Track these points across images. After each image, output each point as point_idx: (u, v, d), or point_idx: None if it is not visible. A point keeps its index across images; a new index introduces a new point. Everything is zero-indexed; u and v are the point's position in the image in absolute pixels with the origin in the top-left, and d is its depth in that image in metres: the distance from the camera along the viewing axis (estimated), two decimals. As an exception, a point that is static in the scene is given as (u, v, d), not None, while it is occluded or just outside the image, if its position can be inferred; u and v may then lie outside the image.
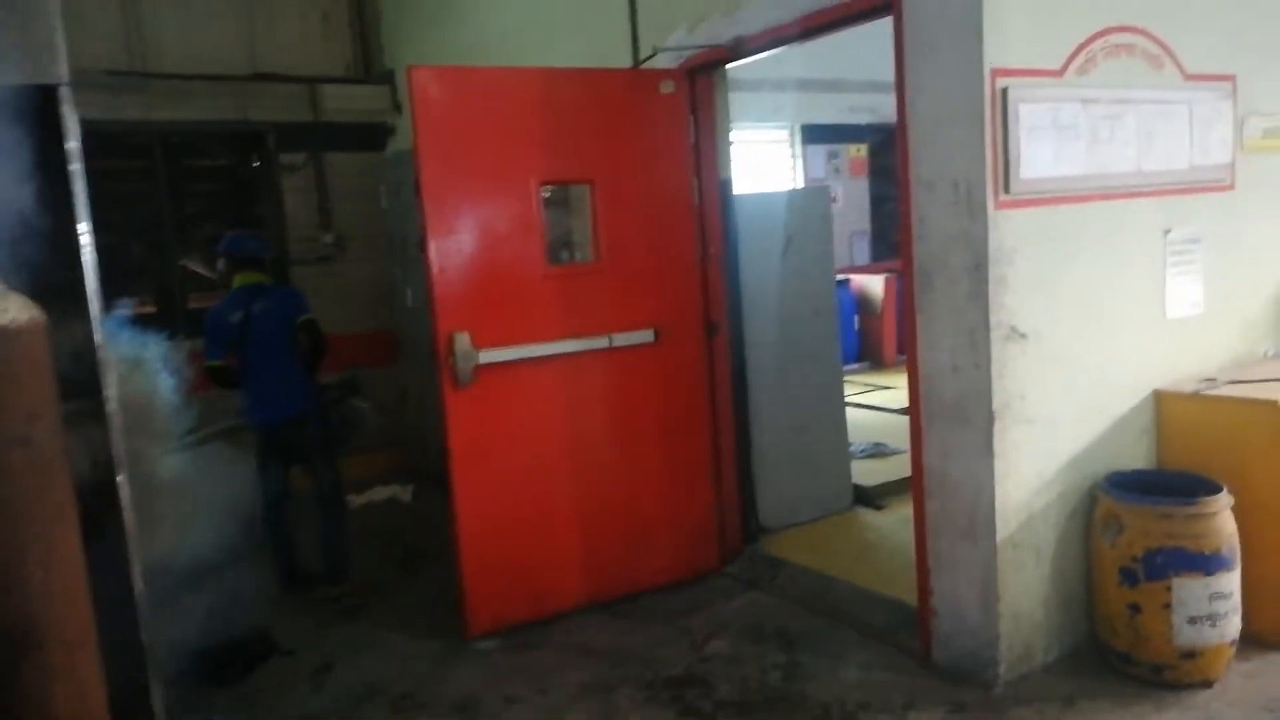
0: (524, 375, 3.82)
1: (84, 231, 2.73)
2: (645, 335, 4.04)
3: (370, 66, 7.12)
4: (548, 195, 4.09)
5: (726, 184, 4.38)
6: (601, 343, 3.95)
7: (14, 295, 2.51)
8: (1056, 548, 3.21)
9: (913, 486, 3.35)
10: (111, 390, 2.76)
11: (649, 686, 3.36)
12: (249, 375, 4.36)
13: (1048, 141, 3.09)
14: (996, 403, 3.01)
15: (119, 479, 2.80)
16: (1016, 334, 3.02)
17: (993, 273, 2.96)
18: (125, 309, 3.64)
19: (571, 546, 3.99)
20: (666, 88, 4.05)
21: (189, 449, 4.97)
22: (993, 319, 2.97)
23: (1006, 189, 2.98)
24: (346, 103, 6.90)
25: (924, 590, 3.37)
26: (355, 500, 6.19)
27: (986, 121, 2.93)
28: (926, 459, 3.28)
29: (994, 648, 3.11)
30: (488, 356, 3.70)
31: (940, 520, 3.26)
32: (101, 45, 6.01)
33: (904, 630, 3.55)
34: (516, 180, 3.77)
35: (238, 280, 4.45)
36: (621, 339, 3.98)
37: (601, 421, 4.03)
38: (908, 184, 3.22)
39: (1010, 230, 2.99)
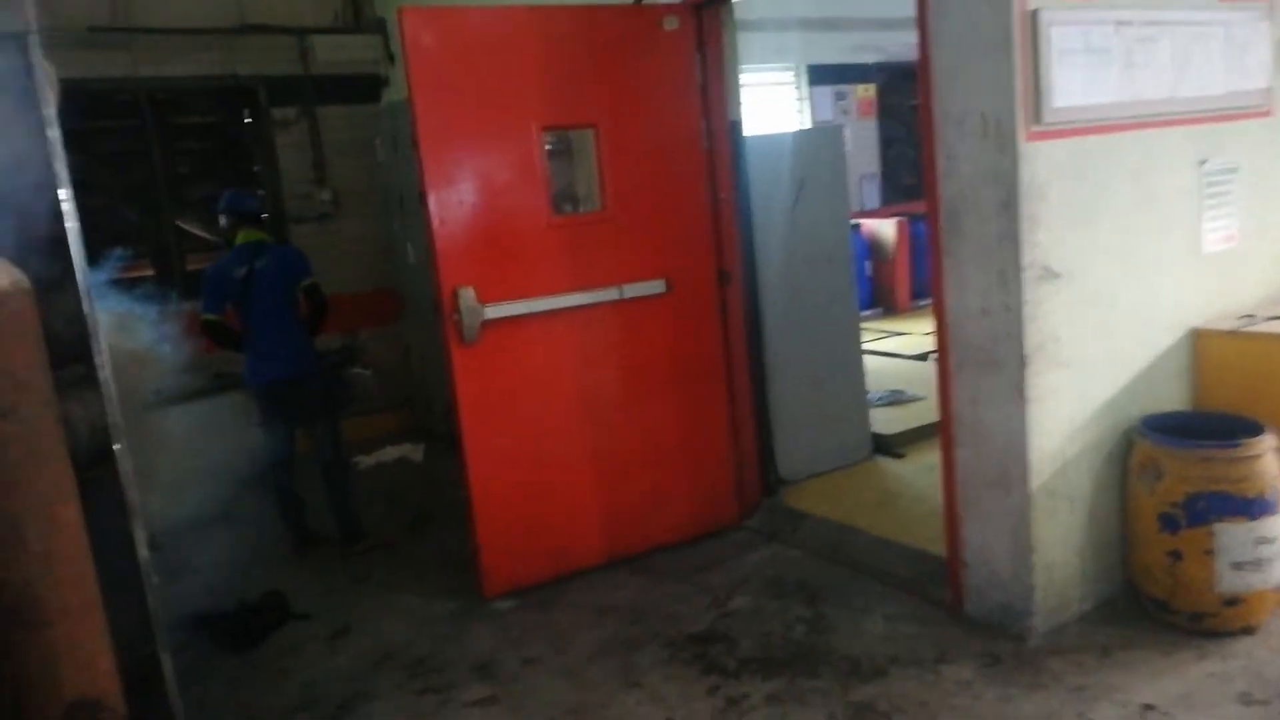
0: (532, 330, 3.69)
1: (64, 195, 2.59)
2: (656, 285, 3.89)
3: (360, 15, 6.87)
4: (551, 143, 3.91)
5: (736, 126, 4.20)
6: (611, 294, 3.81)
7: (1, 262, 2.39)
8: (1092, 495, 3.10)
9: (941, 434, 3.24)
10: (104, 356, 2.64)
11: (670, 644, 3.29)
12: (249, 334, 4.27)
13: (1080, 67, 2.91)
14: (1029, 346, 2.87)
15: (116, 447, 2.70)
16: (1050, 274, 2.88)
17: (1024, 209, 2.81)
18: (112, 271, 3.52)
19: (587, 503, 3.90)
20: (670, 24, 3.85)
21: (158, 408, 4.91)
22: (1025, 258, 2.82)
23: (1038, 119, 2.81)
24: (338, 53, 6.67)
25: (953, 540, 3.26)
26: (365, 461, 6.12)
27: (1016, 47, 2.75)
28: (955, 406, 3.15)
29: (1028, 599, 3.01)
30: (494, 312, 3.57)
31: (970, 469, 3.14)
32: (83, 1, 5.79)
33: (931, 581, 3.46)
34: (517, 126, 3.60)
35: (240, 237, 4.35)
36: (632, 290, 3.84)
37: (614, 375, 3.91)
38: (931, 120, 3.05)
39: (1042, 163, 2.83)
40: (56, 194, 2.51)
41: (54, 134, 2.41)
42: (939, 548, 3.43)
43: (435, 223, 3.49)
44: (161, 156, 6.27)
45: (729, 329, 4.20)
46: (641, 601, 3.63)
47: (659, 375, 3.99)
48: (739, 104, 4.22)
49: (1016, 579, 3.06)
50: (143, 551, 2.80)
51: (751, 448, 4.34)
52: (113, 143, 6.32)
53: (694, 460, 4.11)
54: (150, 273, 6.28)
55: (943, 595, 3.36)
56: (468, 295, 3.51)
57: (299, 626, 3.75)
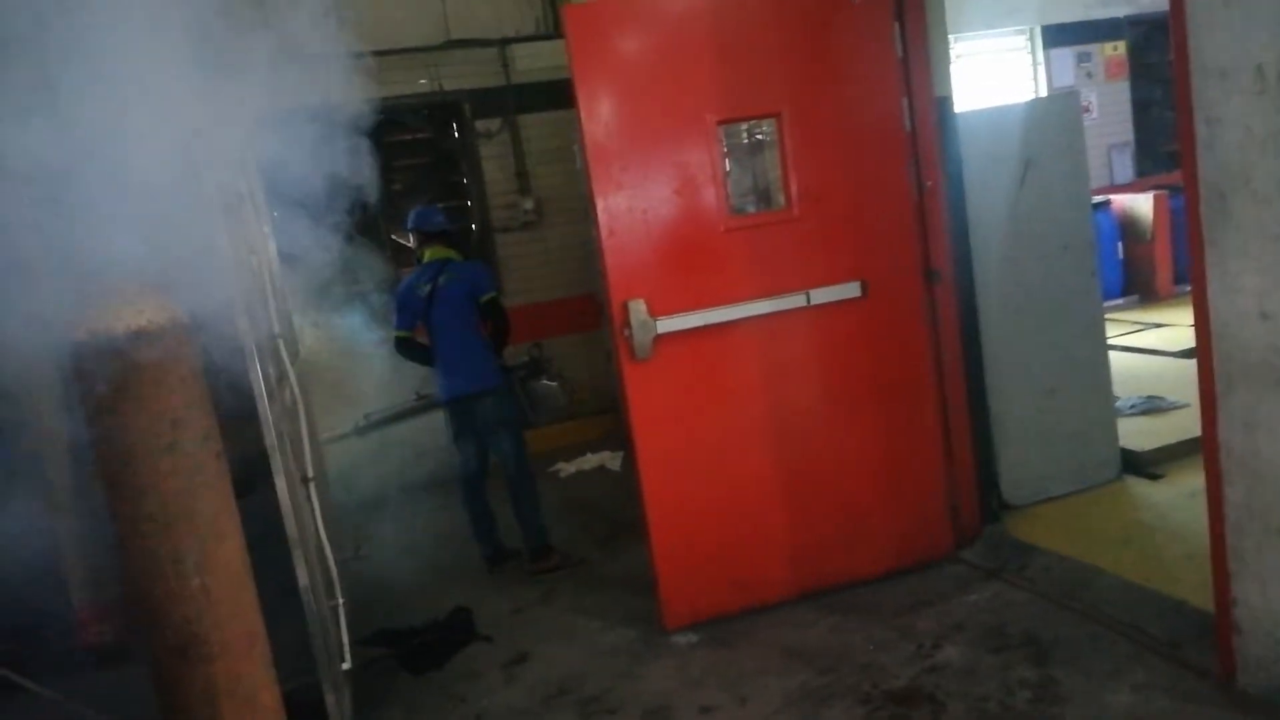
0: (710, 343, 3.39)
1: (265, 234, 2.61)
2: (850, 289, 3.47)
3: (559, 19, 6.85)
4: (730, 136, 3.59)
5: (945, 103, 3.68)
6: (798, 301, 3.43)
7: (153, 294, 2.42)
8: None
9: (1206, 466, 2.60)
10: (261, 386, 2.64)
11: (865, 701, 2.89)
12: (436, 350, 4.30)
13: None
14: (1329, 360, 2.22)
15: (277, 479, 2.70)
16: (1359, 265, 2.21)
17: (1320, 183, 2.16)
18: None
19: (776, 531, 3.55)
20: (862, -6, 3.41)
21: (370, 431, 5.06)
22: (1322, 247, 2.18)
23: (1340, 65, 2.15)
24: (537, 61, 6.69)
25: (1223, 597, 2.63)
26: (565, 469, 6.10)
27: (1308, -28, 2.12)
28: (1223, 432, 2.52)
29: (1329, 682, 2.35)
30: (667, 325, 3.30)
31: (1245, 512, 2.50)
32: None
33: (1194, 644, 2.82)
34: (690, 121, 3.31)
35: (427, 254, 4.40)
36: (821, 295, 3.44)
37: (804, 390, 3.53)
38: (1186, 76, 2.44)
39: (1347, 122, 2.17)
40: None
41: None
42: (1205, 600, 2.79)
43: (604, 231, 3.28)
44: (379, 175, 6.55)
45: (940, 333, 3.69)
46: (834, 645, 3.24)
47: (856, 388, 3.57)
48: (948, 78, 3.70)
49: (1314, 654, 2.40)
50: (303, 581, 2.79)
51: (968, 468, 3.80)
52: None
53: (899, 483, 3.65)
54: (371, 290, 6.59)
55: (1208, 663, 2.72)
56: (639, 309, 3.27)
57: (480, 649, 3.68)
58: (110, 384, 2.35)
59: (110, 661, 2.93)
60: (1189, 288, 6.33)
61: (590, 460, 6.13)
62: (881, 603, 3.47)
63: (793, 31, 3.38)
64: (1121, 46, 8.54)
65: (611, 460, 6.07)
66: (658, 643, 3.46)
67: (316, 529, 3.08)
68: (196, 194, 2.47)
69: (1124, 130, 8.63)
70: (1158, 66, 8.66)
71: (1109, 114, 8.53)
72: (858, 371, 3.57)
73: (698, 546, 3.48)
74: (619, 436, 6.41)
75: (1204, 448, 2.60)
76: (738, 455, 3.48)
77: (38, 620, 2.96)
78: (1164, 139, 8.72)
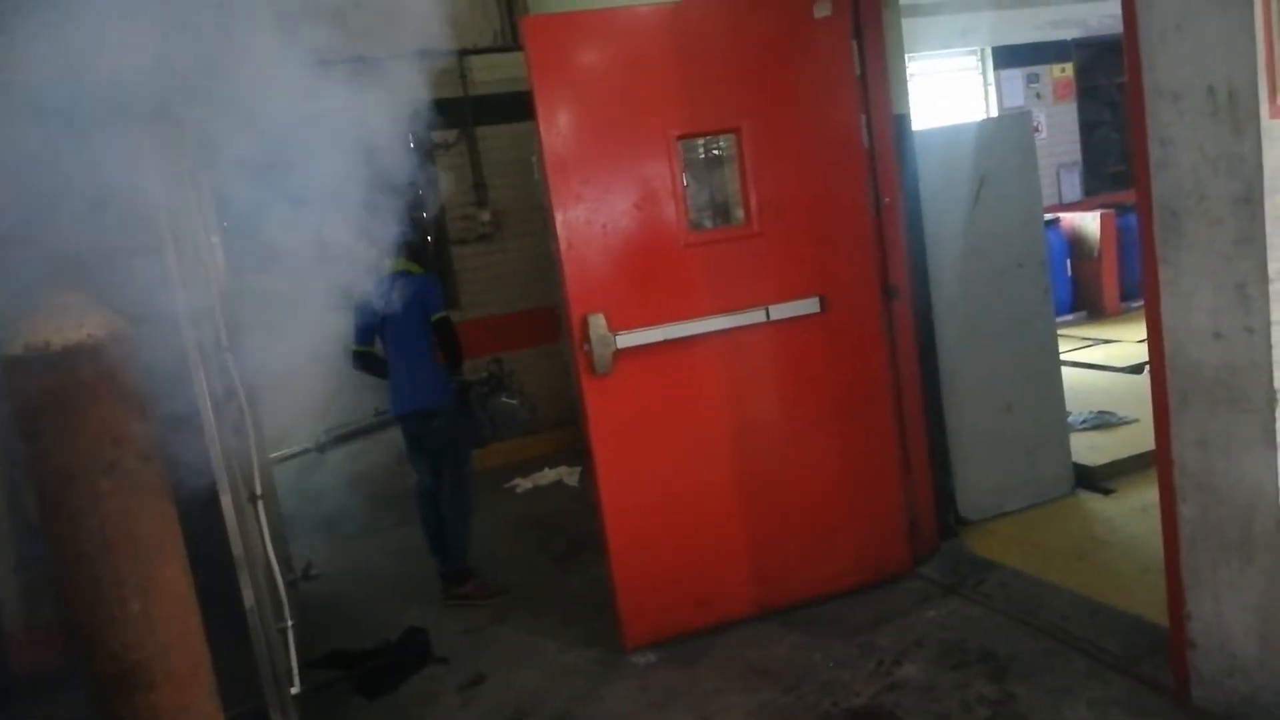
0: (670, 358, 3.36)
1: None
2: (809, 305, 3.47)
3: (518, 31, 6.82)
4: (690, 151, 3.58)
5: (902, 120, 3.71)
6: (758, 316, 3.42)
7: (93, 306, 2.32)
8: (1371, 566, 2.42)
9: (1160, 483, 2.64)
10: (205, 398, 2.55)
11: (827, 719, 2.87)
12: (389, 365, 4.20)
13: (1346, 19, 2.26)
14: (1280, 378, 2.26)
15: (223, 497, 2.61)
16: (1307, 285, 2.25)
17: (1271, 206, 2.20)
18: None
19: (736, 547, 3.52)
20: (822, 11, 3.42)
21: (328, 448, 4.94)
22: (1273, 268, 2.21)
23: (1288, 89, 2.20)
24: (495, 72, 6.64)
25: (1177, 612, 2.66)
26: (522, 484, 6.03)
27: (1257, -2, 2.16)
28: (1176, 450, 2.55)
29: (1279, 693, 2.38)
30: (627, 340, 3.27)
31: (1199, 529, 2.53)
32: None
33: (1149, 659, 2.85)
34: (650, 135, 3.30)
35: (389, 266, 4.27)
36: (781, 310, 3.43)
37: (764, 406, 3.52)
38: (1140, 96, 2.48)
39: (1294, 145, 2.21)
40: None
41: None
42: (1160, 615, 2.82)
43: (563, 245, 3.24)
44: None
45: (897, 349, 3.71)
46: (796, 663, 3.22)
47: (815, 404, 3.57)
48: (906, 96, 3.74)
49: (1263, 666, 2.43)
50: (249, 602, 2.70)
51: (926, 483, 3.82)
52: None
53: (858, 498, 3.64)
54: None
55: (1164, 678, 2.75)
56: (598, 323, 3.24)
57: (436, 671, 3.60)
58: (47, 400, 2.25)
59: (46, 688, 2.80)
60: (1136, 304, 6.45)
61: (548, 475, 6.07)
62: (842, 619, 3.46)
63: (753, 47, 3.38)
64: (1070, 68, 8.75)
65: (569, 475, 6.01)
66: (617, 663, 3.41)
67: (265, 548, 2.98)
68: (139, 202, 2.39)
69: (1072, 150, 8.83)
70: (1105, 88, 8.89)
71: (1057, 134, 8.71)
72: (817, 387, 3.56)
73: (658, 564, 3.43)
74: (577, 450, 6.34)
75: (1158, 464, 2.63)
76: (698, 471, 3.45)
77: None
78: (1110, 159, 8.94)
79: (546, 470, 6.14)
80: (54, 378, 2.23)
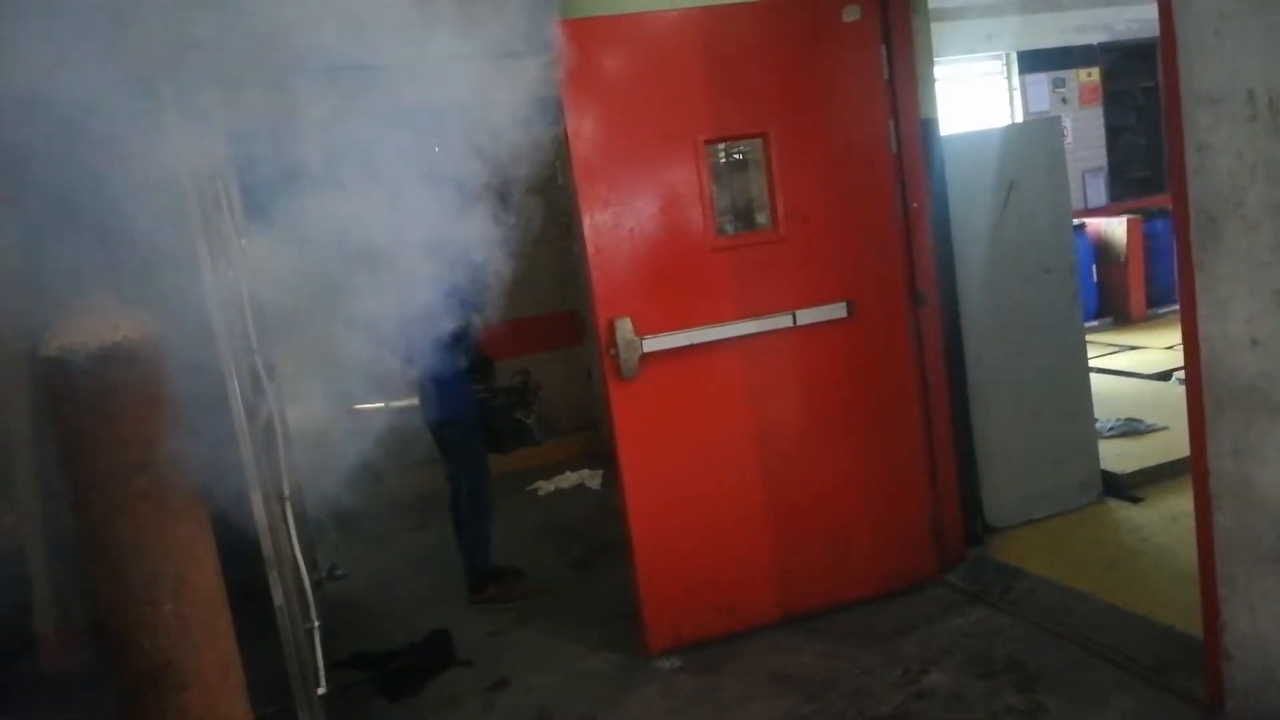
0: (696, 362, 3.36)
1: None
2: (836, 310, 3.45)
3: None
4: (717, 155, 3.57)
5: (930, 125, 3.69)
6: (784, 321, 3.41)
7: (128, 309, 2.34)
8: None
9: (1195, 491, 2.60)
10: (238, 403, 2.56)
11: (853, 728, 2.85)
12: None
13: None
14: (1319, 387, 2.22)
15: (253, 497, 2.62)
16: (1348, 292, 2.22)
17: (1311, 210, 2.17)
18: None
19: (760, 553, 3.51)
20: (851, 15, 3.41)
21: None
22: (1313, 274, 2.18)
23: (1329, 93, 2.17)
24: (519, 76, 6.65)
25: (1211, 623, 2.62)
26: (544, 487, 6.03)
27: (1299, 1, 2.13)
28: (1212, 458, 2.52)
29: (1319, 710, 2.34)
30: (653, 344, 3.27)
31: (1235, 538, 2.50)
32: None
33: (1180, 669, 2.81)
34: (678, 139, 3.30)
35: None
36: (808, 315, 3.42)
37: (789, 411, 3.51)
38: (1177, 102, 2.45)
39: (1336, 150, 2.18)
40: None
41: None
42: (1192, 625, 2.79)
43: (590, 249, 3.25)
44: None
45: (924, 355, 3.68)
46: (821, 671, 3.20)
47: (842, 410, 3.55)
48: (933, 100, 3.71)
49: (1303, 680, 2.40)
50: (278, 601, 2.71)
51: (952, 490, 3.79)
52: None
53: (884, 505, 3.62)
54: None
55: (1196, 689, 2.71)
56: (625, 327, 3.23)
57: (458, 674, 3.60)
58: (82, 402, 2.27)
59: (77, 688, 2.82)
60: (1163, 310, 6.38)
61: (570, 478, 6.07)
62: (867, 627, 3.44)
63: (781, 51, 3.37)
64: (1096, 73, 8.68)
65: (591, 479, 6.01)
66: (640, 667, 3.40)
67: (292, 549, 3.00)
68: (173, 204, 2.41)
69: (1098, 155, 8.75)
70: (1131, 93, 8.81)
71: (1083, 139, 8.64)
72: (843, 393, 3.55)
73: (681, 568, 3.43)
74: (598, 454, 6.35)
75: (1193, 473, 2.59)
76: (722, 476, 3.44)
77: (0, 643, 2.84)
78: (1136, 164, 8.86)
79: (568, 473, 6.14)
80: (88, 379, 2.25)
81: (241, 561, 2.62)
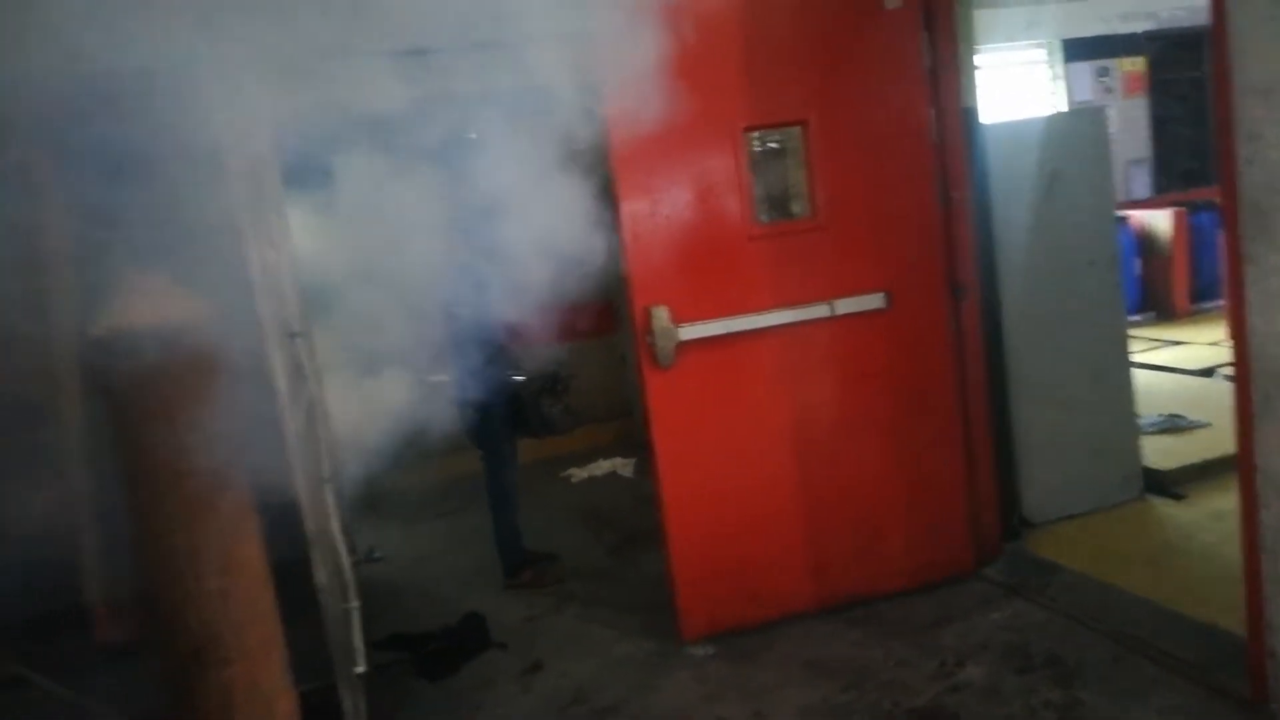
0: (733, 351, 3.36)
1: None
2: (874, 300, 3.43)
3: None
4: (755, 142, 3.55)
5: (971, 114, 3.65)
6: (821, 311, 3.39)
7: (174, 289, 2.39)
8: None
9: (1241, 488, 2.56)
10: (281, 383, 2.61)
11: (887, 719, 2.84)
12: None
13: None
14: (1373, 382, 2.18)
15: (296, 477, 2.66)
16: (1405, 285, 2.17)
17: (1368, 201, 2.12)
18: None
19: (796, 542, 3.51)
20: (893, 1, 3.38)
21: None
22: (1369, 266, 2.14)
23: (1389, 81, 2.12)
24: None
25: (1256, 621, 2.58)
26: (577, 474, 6.07)
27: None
28: (1259, 455, 2.48)
29: (1367, 711, 2.30)
30: (690, 332, 3.27)
31: (1281, 536, 2.46)
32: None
33: (1223, 668, 2.77)
34: (717, 126, 3.29)
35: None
36: (845, 305, 3.41)
37: (826, 401, 3.49)
38: (1227, 92, 2.41)
39: (1395, 140, 2.13)
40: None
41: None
42: (1234, 623, 2.75)
43: (627, 237, 3.25)
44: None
45: (964, 347, 3.65)
46: (856, 661, 3.19)
47: (879, 400, 3.53)
48: (974, 89, 3.67)
49: (1350, 681, 2.36)
50: (320, 579, 2.75)
51: (990, 484, 3.76)
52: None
53: (920, 497, 3.60)
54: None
55: (1240, 687, 2.67)
56: (661, 315, 3.24)
57: (494, 656, 3.64)
58: (130, 382, 2.32)
59: (124, 660, 2.89)
60: (1207, 305, 6.27)
61: (602, 466, 6.10)
62: (903, 618, 3.43)
63: (821, 38, 3.35)
64: (1141, 62, 8.51)
65: (624, 467, 6.04)
66: (674, 654, 3.42)
67: (332, 530, 3.05)
68: (220, 185, 2.45)
69: (1142, 146, 8.59)
70: (1177, 83, 8.63)
71: (1127, 129, 8.48)
72: (880, 383, 3.53)
73: (717, 556, 3.44)
74: (631, 442, 6.37)
75: (1239, 470, 2.55)
76: (758, 465, 3.44)
77: (52, 615, 2.92)
78: (1182, 156, 8.68)
79: (601, 461, 6.17)
80: (137, 359, 2.30)
81: (282, 542, 2.68)
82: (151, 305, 2.32)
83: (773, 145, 3.70)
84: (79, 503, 2.89)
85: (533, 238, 3.03)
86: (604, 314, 6.71)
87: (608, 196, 3.24)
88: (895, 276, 3.47)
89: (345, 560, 3.15)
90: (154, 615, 2.39)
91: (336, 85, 2.56)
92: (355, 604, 3.12)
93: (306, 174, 3.42)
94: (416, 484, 5.56)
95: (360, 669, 3.01)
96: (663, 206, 3.28)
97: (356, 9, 2.52)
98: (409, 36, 2.82)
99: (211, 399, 2.38)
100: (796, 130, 3.43)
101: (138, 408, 2.34)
